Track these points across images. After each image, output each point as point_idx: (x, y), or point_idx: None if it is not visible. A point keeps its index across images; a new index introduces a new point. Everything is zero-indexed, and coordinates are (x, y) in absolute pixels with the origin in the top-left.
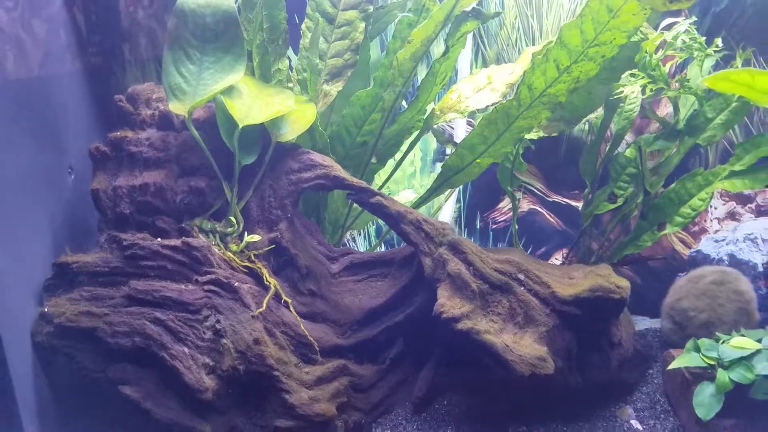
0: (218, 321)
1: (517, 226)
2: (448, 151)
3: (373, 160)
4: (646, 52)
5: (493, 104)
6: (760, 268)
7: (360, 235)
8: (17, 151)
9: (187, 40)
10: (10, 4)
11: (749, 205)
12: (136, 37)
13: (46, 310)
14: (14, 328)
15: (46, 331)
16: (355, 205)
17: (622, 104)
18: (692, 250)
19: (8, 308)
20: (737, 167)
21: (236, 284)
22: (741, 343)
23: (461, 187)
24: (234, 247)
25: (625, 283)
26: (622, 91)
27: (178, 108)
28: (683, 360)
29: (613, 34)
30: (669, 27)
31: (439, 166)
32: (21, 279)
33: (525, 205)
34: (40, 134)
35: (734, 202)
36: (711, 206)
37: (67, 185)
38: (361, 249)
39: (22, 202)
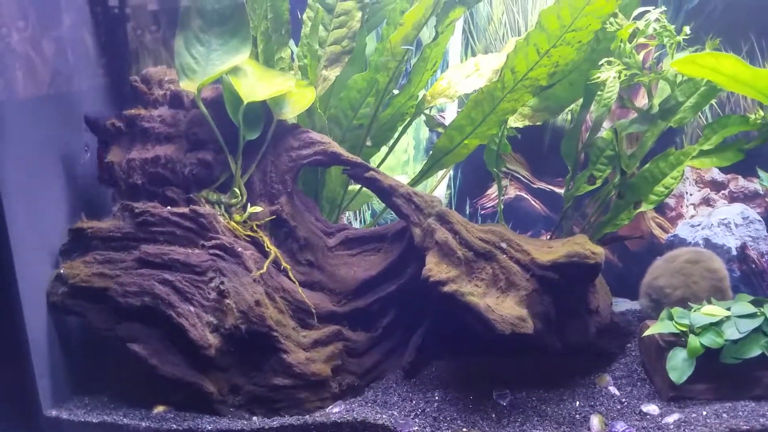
0: (222, 282)
1: (503, 206)
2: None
3: (368, 143)
4: (621, 40)
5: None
6: (734, 252)
7: (356, 219)
8: (41, 131)
9: (197, 24)
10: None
11: (723, 192)
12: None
13: (61, 271)
14: (32, 289)
15: (60, 292)
16: (350, 186)
17: (600, 92)
18: (669, 234)
19: (27, 271)
20: (706, 146)
21: (239, 249)
22: (711, 310)
23: (451, 174)
24: (238, 218)
25: (599, 250)
26: (599, 77)
27: (188, 85)
28: (657, 327)
29: (588, 20)
30: (641, 15)
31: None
32: (39, 244)
33: (511, 192)
34: (60, 116)
35: (708, 189)
36: (687, 193)
37: (83, 162)
38: None
39: (43, 176)
